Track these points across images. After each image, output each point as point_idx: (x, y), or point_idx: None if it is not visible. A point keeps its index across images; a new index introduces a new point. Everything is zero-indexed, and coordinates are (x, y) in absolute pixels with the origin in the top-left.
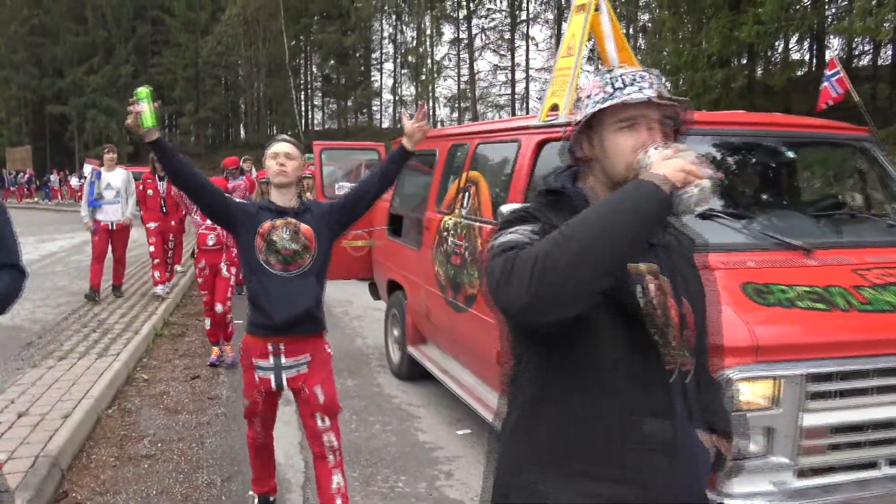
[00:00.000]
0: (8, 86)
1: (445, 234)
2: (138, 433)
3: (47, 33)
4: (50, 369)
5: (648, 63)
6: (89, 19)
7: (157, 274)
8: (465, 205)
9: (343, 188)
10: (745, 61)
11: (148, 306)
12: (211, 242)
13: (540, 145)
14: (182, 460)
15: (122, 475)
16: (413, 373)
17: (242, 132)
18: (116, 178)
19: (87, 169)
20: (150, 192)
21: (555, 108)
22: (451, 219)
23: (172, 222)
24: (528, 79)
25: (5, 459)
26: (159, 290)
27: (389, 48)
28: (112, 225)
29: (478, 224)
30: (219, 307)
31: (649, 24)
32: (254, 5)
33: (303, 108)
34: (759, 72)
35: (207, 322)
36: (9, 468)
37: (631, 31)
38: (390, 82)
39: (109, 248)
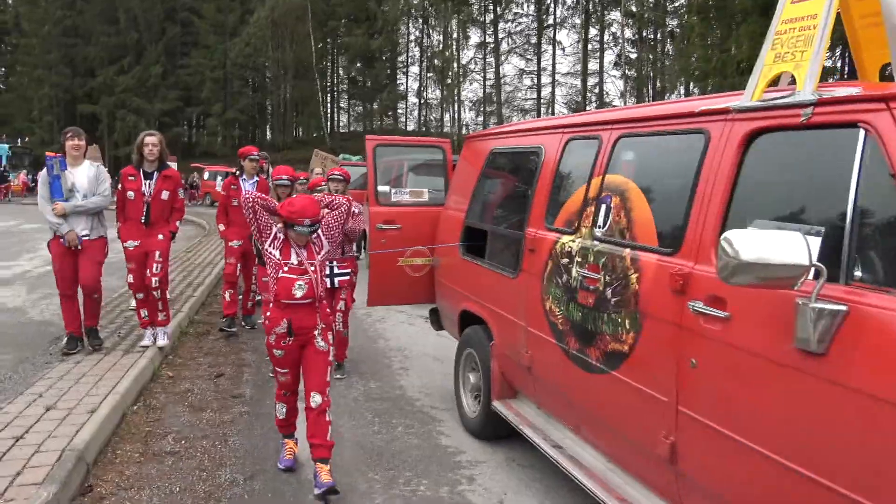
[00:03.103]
0: (41, 85)
1: (566, 260)
2: (163, 430)
3: (80, 34)
4: (77, 364)
5: (676, 69)
6: (121, 21)
7: (143, 313)
8: (600, 222)
9: (402, 195)
10: None
11: (174, 304)
12: (299, 294)
13: (749, 138)
14: (206, 458)
15: (146, 471)
16: (498, 432)
17: (269, 133)
18: (82, 175)
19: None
20: (130, 193)
21: (778, 80)
22: (575, 240)
23: (160, 236)
24: (553, 83)
25: (32, 453)
26: (146, 337)
27: (416, 51)
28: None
29: (629, 252)
30: (316, 399)
31: (677, 30)
32: (282, 8)
33: (329, 111)
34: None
35: (281, 409)
36: (36, 461)
37: (659, 36)
38: (416, 85)
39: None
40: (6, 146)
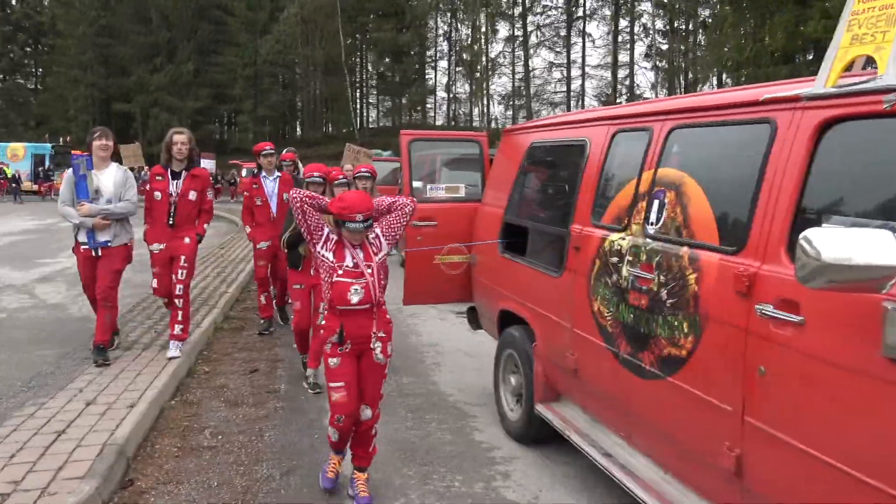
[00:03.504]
0: (77, 85)
1: (615, 259)
2: (200, 425)
3: (113, 34)
4: (116, 360)
5: (708, 59)
6: (153, 20)
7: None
8: (653, 219)
9: (438, 190)
10: (811, 57)
11: (208, 300)
12: (355, 299)
13: (823, 127)
14: (242, 453)
15: (184, 465)
16: (540, 436)
17: (299, 129)
18: (108, 179)
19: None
20: (157, 194)
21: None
22: (624, 238)
23: (186, 239)
24: (584, 76)
25: (73, 447)
26: (172, 349)
27: (444, 46)
28: (97, 250)
29: (686, 250)
30: (366, 412)
31: (710, 20)
32: (311, 5)
33: (358, 106)
34: None
35: (335, 435)
36: (78, 455)
37: (690, 26)
38: (444, 80)
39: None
40: (50, 146)
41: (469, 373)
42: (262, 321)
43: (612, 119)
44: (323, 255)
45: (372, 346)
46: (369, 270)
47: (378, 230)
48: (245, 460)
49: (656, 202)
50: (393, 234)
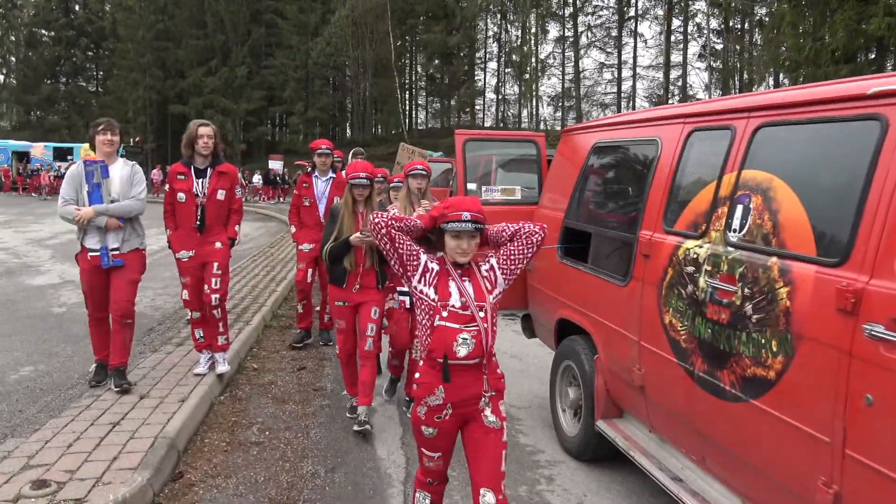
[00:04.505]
0: (136, 87)
1: (691, 268)
2: (248, 420)
3: (171, 38)
4: (168, 354)
5: (765, 59)
6: (209, 24)
7: (198, 333)
8: (736, 225)
9: (493, 192)
10: (873, 56)
11: (258, 298)
12: (463, 352)
13: None
14: (288, 449)
15: (232, 460)
16: (600, 454)
17: (349, 131)
18: (114, 175)
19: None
20: (181, 195)
21: None
22: (702, 245)
23: (218, 244)
24: (635, 77)
25: (127, 439)
26: (201, 363)
27: (493, 47)
28: (107, 257)
29: (776, 261)
30: (488, 499)
31: (766, 18)
32: (362, 7)
33: (407, 108)
34: (890, 68)
35: (422, 498)
36: (131, 447)
37: (746, 25)
38: (494, 81)
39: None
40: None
41: (514, 375)
42: (297, 331)
43: (688, 117)
44: (421, 292)
45: (480, 407)
46: (482, 314)
47: (494, 261)
48: (291, 456)
49: (740, 207)
50: (512, 267)
